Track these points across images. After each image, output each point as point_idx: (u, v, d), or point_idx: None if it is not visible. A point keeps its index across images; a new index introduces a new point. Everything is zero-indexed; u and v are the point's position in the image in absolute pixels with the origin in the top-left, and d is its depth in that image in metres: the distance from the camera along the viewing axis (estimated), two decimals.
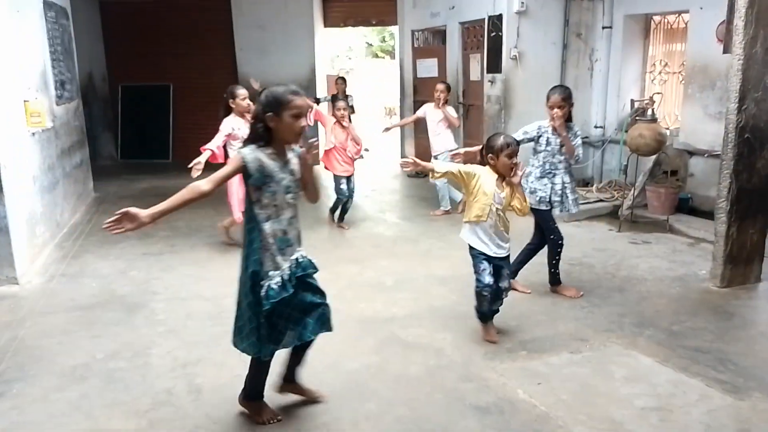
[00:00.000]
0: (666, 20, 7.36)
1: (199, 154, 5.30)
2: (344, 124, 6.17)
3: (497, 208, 3.61)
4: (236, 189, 5.29)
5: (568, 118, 4.30)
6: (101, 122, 11.00)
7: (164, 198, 2.73)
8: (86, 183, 7.93)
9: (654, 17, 7.47)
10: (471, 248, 3.73)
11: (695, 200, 6.58)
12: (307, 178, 2.84)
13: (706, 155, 6.38)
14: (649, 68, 7.64)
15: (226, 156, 5.34)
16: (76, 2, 8.25)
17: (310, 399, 3.12)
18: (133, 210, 2.52)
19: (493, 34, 7.56)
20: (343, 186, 6.36)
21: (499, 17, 7.40)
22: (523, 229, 4.61)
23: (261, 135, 2.66)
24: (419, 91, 9.84)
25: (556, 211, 4.42)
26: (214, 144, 5.29)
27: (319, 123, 6.59)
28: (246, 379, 2.97)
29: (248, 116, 5.19)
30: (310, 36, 10.70)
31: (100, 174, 8.97)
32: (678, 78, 7.21)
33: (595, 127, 8.00)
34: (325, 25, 11.55)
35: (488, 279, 3.64)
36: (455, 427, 2.90)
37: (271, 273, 2.70)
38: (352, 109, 7.94)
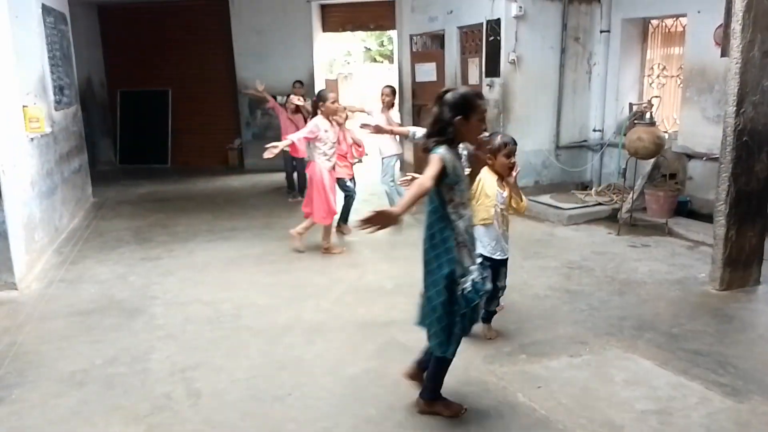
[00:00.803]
0: (664, 24, 7.39)
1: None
2: (338, 119, 6.17)
3: (501, 209, 3.61)
4: (327, 188, 5.57)
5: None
6: (100, 127, 11.02)
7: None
8: (85, 188, 7.93)
9: (652, 21, 7.50)
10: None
11: (694, 203, 6.59)
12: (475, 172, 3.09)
13: (704, 158, 6.40)
14: (647, 72, 7.67)
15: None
16: (75, 8, 8.28)
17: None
18: (387, 209, 2.52)
19: (492, 38, 7.58)
20: (350, 184, 6.38)
21: (498, 21, 7.42)
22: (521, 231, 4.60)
23: (451, 136, 2.76)
24: (418, 96, 9.86)
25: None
26: (296, 136, 5.52)
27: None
28: (427, 380, 3.02)
29: (335, 118, 5.68)
30: (308, 41, 10.72)
31: (98, 179, 8.97)
32: (676, 81, 7.23)
33: (594, 130, 8.02)
34: (324, 30, 11.57)
35: (488, 285, 3.54)
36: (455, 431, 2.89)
37: (471, 268, 2.82)
38: (308, 112, 8.00)
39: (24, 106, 5.38)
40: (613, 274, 5.05)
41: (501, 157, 3.56)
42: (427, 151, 2.81)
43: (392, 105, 6.70)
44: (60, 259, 5.65)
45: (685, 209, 6.56)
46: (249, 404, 3.15)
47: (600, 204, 7.04)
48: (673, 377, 3.34)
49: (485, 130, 2.86)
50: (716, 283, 4.60)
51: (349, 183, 6.37)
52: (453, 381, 3.33)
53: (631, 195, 6.61)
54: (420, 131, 3.66)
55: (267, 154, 5.22)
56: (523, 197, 3.74)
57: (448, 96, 2.78)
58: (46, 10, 6.44)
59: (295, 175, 8.23)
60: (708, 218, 5.57)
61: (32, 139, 5.56)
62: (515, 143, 3.64)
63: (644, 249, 5.75)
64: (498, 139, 3.59)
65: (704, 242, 5.62)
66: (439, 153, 2.72)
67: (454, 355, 2.88)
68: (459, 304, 2.76)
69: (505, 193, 3.63)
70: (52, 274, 5.26)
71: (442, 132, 2.77)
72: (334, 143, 5.62)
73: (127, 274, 5.26)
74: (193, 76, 10.83)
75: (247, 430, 2.95)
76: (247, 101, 10.88)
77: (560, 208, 6.86)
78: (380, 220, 2.48)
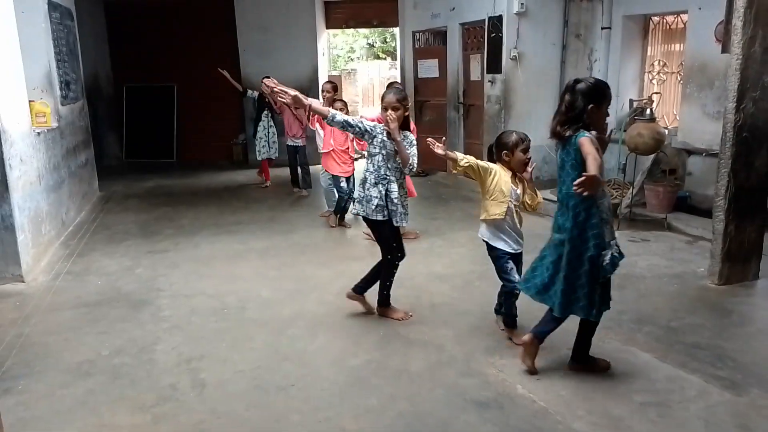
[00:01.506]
0: (665, 20, 7.40)
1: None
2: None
3: (515, 205, 3.61)
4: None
5: (405, 125, 3.83)
6: (106, 122, 11.07)
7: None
8: (91, 182, 7.99)
9: (653, 17, 7.51)
10: (492, 249, 3.67)
11: (693, 198, 6.62)
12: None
13: (704, 154, 6.42)
14: (647, 68, 7.68)
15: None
16: (81, 3, 8.32)
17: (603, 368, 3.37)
18: (596, 174, 2.77)
19: (493, 34, 7.61)
20: (344, 184, 6.41)
21: (499, 18, 7.45)
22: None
23: (586, 123, 2.99)
24: (420, 92, 9.89)
25: (403, 221, 3.91)
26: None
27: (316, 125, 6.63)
28: (577, 342, 3.34)
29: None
30: (312, 37, 10.75)
31: (105, 173, 9.04)
32: (676, 78, 7.25)
33: None
34: (327, 27, 11.60)
35: (517, 276, 3.61)
36: (455, 422, 2.94)
37: (612, 242, 3.08)
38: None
39: (30, 101, 5.44)
40: None
41: (518, 153, 3.53)
42: (564, 138, 3.05)
43: (333, 101, 6.47)
44: (67, 252, 5.71)
45: (684, 204, 6.59)
46: (253, 395, 3.21)
47: None
48: (671, 370, 3.37)
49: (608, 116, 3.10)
50: (715, 278, 4.63)
51: (343, 183, 6.39)
52: (454, 372, 3.40)
53: (631, 190, 6.64)
54: (340, 116, 3.66)
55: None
56: (538, 193, 3.72)
57: (581, 85, 3.02)
58: (53, 6, 6.49)
59: (299, 169, 8.28)
60: (707, 213, 5.60)
61: (39, 133, 5.61)
62: (530, 139, 3.60)
63: (644, 244, 5.78)
64: (514, 136, 3.57)
65: (703, 237, 5.65)
66: (587, 135, 2.96)
67: (598, 318, 3.19)
68: (600, 274, 3.07)
69: (519, 190, 3.62)
70: (59, 266, 5.32)
71: (578, 119, 3.00)
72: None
73: (134, 266, 5.31)
74: (198, 71, 10.88)
75: (252, 420, 2.99)
76: (252, 102, 10.91)
77: None
78: (593, 183, 2.74)
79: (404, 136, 3.76)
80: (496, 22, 7.51)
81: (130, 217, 7.15)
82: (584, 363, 3.36)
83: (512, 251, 3.65)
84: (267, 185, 8.89)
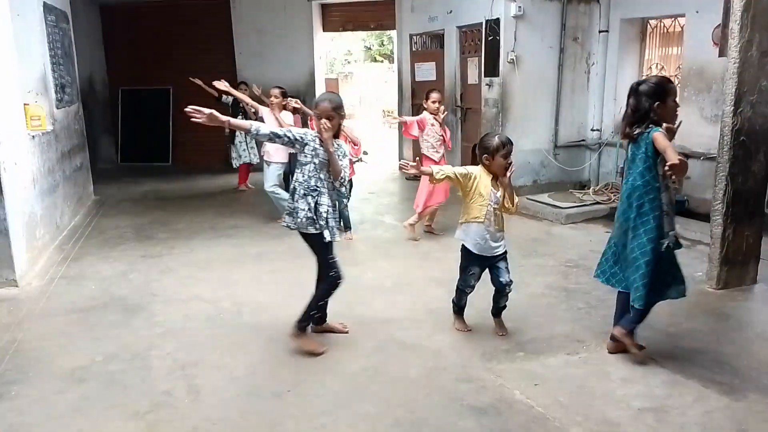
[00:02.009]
0: (662, 24, 7.41)
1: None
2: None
3: (494, 208, 3.65)
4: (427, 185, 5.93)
5: (338, 135, 3.64)
6: (101, 126, 11.04)
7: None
8: (86, 186, 7.96)
9: (650, 21, 7.52)
10: (466, 250, 3.75)
11: (691, 203, 6.62)
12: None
13: (702, 158, 6.42)
14: (645, 72, 7.68)
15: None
16: (77, 6, 8.30)
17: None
18: (682, 160, 3.09)
19: (491, 38, 7.60)
20: (342, 189, 6.36)
21: (497, 21, 7.45)
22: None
23: (654, 120, 3.22)
24: (417, 95, 9.88)
25: (333, 236, 3.63)
26: (409, 119, 6.36)
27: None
28: (629, 322, 3.48)
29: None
30: (309, 40, 10.75)
31: (100, 177, 9.00)
32: (674, 81, 7.25)
33: (592, 130, 8.05)
34: (324, 30, 11.59)
35: (473, 282, 3.79)
36: (453, 428, 2.92)
37: (671, 233, 3.30)
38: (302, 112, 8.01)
39: (25, 104, 5.41)
40: None
41: (499, 158, 3.58)
42: (634, 138, 3.29)
43: (283, 107, 6.44)
44: (61, 257, 5.68)
45: (682, 208, 6.57)
46: (248, 401, 3.18)
47: (598, 203, 7.07)
48: (669, 375, 3.36)
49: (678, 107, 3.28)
50: (713, 282, 4.62)
51: (343, 189, 6.34)
52: (451, 377, 3.38)
53: None
54: (264, 128, 3.44)
55: (392, 121, 6.37)
56: (515, 198, 3.74)
57: (643, 87, 3.26)
58: (48, 9, 6.46)
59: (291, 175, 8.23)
60: (705, 217, 5.58)
61: (33, 136, 5.58)
62: (512, 143, 3.65)
63: None
64: (495, 140, 3.60)
65: (701, 241, 5.65)
66: (659, 131, 3.18)
67: (651, 305, 3.42)
68: (658, 261, 3.30)
69: (499, 193, 3.65)
70: (53, 271, 5.29)
71: (645, 118, 3.23)
72: (440, 136, 6.11)
73: (128, 271, 5.28)
74: (194, 74, 10.84)
75: (247, 427, 2.97)
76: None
77: (558, 207, 6.88)
78: (682, 168, 3.04)
79: (337, 146, 3.58)
80: (494, 25, 7.51)
81: (124, 221, 7.12)
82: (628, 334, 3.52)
83: (487, 255, 3.71)
84: (244, 189, 8.85)
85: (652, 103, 3.21)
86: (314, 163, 3.55)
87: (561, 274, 5.02)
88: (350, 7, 11.19)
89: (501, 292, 3.81)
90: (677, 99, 3.33)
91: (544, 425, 2.92)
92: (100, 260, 5.60)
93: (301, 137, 3.52)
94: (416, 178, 9.40)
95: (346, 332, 3.94)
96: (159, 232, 6.55)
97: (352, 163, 6.44)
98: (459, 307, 3.99)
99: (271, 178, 6.63)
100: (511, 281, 3.80)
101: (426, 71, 9.59)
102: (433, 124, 6.07)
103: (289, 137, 3.50)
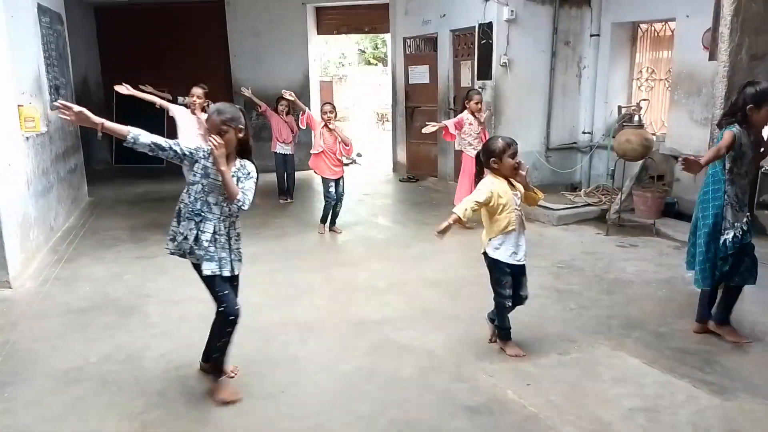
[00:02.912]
0: (653, 28, 7.48)
1: None
2: (330, 126, 6.22)
3: (519, 210, 3.53)
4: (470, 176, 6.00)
5: (246, 152, 3.15)
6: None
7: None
8: (80, 187, 7.94)
9: (641, 25, 7.59)
10: (498, 263, 3.54)
11: (681, 204, 6.67)
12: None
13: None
14: (636, 75, 7.76)
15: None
16: (71, 8, 8.29)
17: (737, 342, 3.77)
18: (696, 159, 3.51)
19: (484, 41, 7.65)
20: (332, 189, 6.40)
21: (489, 25, 7.50)
22: None
23: (739, 119, 3.50)
24: (411, 98, 9.92)
25: (209, 269, 3.15)
26: (448, 122, 6.60)
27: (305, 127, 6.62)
28: (699, 306, 3.87)
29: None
30: (303, 43, 10.77)
31: (94, 179, 8.98)
32: (664, 84, 7.32)
33: (583, 132, 8.11)
34: (319, 32, 11.61)
35: (509, 292, 3.57)
36: (446, 428, 2.94)
37: (736, 224, 3.56)
38: (294, 112, 7.95)
39: (19, 106, 5.40)
40: (602, 273, 5.12)
41: (507, 159, 3.44)
42: (720, 127, 3.62)
43: (204, 108, 6.11)
44: (55, 258, 5.67)
45: (672, 210, 6.64)
46: (243, 401, 3.18)
47: (589, 205, 7.12)
48: (660, 375, 3.40)
49: None
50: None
51: (331, 189, 6.38)
52: (444, 377, 3.40)
53: (619, 196, 6.69)
54: (145, 137, 3.00)
55: (428, 129, 6.45)
56: (538, 191, 3.63)
57: (748, 88, 3.50)
58: (42, 10, 6.46)
59: (285, 177, 8.23)
60: None
61: (28, 138, 5.57)
62: (516, 143, 3.52)
63: (632, 249, 5.82)
64: (500, 142, 3.47)
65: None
66: (732, 130, 3.47)
67: (710, 287, 3.77)
68: (720, 249, 3.59)
69: (518, 195, 3.53)
70: (47, 272, 5.28)
71: (734, 115, 3.52)
72: (477, 134, 6.42)
73: (122, 272, 5.28)
74: (189, 76, 10.80)
75: (241, 428, 2.98)
76: (243, 102, 10.90)
77: (550, 209, 6.93)
78: (690, 165, 3.38)
79: (241, 165, 3.10)
80: (487, 29, 7.55)
81: (119, 222, 7.11)
82: (722, 325, 3.82)
83: (516, 263, 3.55)
84: None
85: (746, 104, 3.45)
86: (202, 184, 3.08)
87: (553, 275, 5.06)
88: (345, 10, 11.21)
89: (515, 306, 3.67)
90: None
91: (536, 425, 2.95)
92: (94, 261, 5.59)
93: (191, 153, 3.09)
94: (409, 180, 9.47)
95: (232, 376, 3.38)
96: (153, 233, 6.54)
97: (342, 163, 6.46)
98: (506, 330, 3.69)
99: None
100: (527, 296, 3.69)
101: (420, 74, 9.63)
102: (471, 123, 6.43)
103: (175, 151, 3.06)
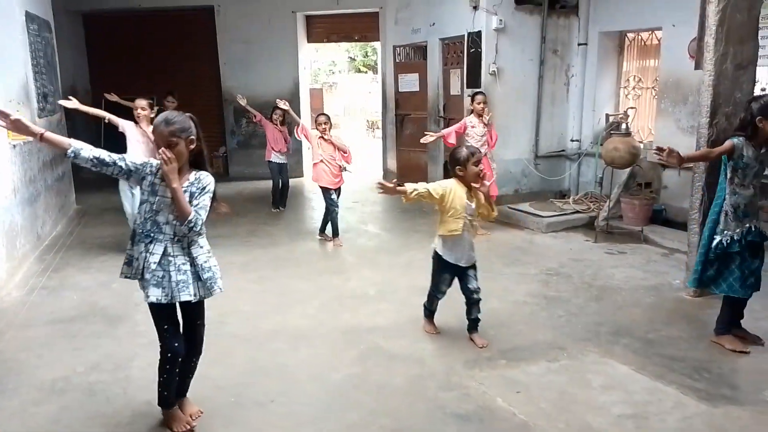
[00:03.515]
0: (639, 37, 7.56)
1: None
2: (326, 137, 6.23)
3: (470, 219, 3.74)
4: None
5: (200, 163, 2.87)
6: (84, 135, 10.85)
7: None
8: (68, 195, 7.88)
9: (628, 34, 7.67)
10: (441, 259, 3.84)
11: (669, 212, 6.73)
12: None
13: (679, 168, 6.54)
14: (623, 83, 7.84)
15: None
16: (60, 16, 8.26)
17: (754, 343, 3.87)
18: (678, 152, 3.77)
19: (473, 50, 7.70)
20: (334, 197, 6.41)
21: (478, 34, 7.55)
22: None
23: (750, 134, 3.64)
24: (401, 105, 9.95)
25: (154, 295, 2.81)
26: (446, 131, 6.72)
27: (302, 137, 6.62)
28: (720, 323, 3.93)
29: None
30: (293, 51, 10.77)
31: (82, 186, 8.91)
32: (651, 93, 7.40)
33: (572, 140, 8.17)
34: (309, 41, 11.63)
35: (445, 288, 3.93)
36: None
37: (726, 231, 3.71)
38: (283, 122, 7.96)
39: None
40: (591, 280, 5.15)
41: (471, 167, 3.66)
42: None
43: (150, 120, 5.94)
44: (42, 267, 5.61)
45: (660, 217, 6.70)
46: (232, 411, 3.17)
47: (577, 212, 7.16)
48: (649, 382, 3.41)
49: None
50: (690, 290, 4.70)
51: (333, 195, 6.39)
52: (434, 385, 3.40)
53: (607, 203, 6.74)
54: (87, 151, 2.73)
55: (426, 139, 6.55)
56: (494, 206, 3.84)
57: (753, 103, 3.65)
58: (30, 18, 6.43)
59: (281, 186, 8.17)
60: (682, 226, 5.68)
61: (14, 146, 5.53)
62: (480, 151, 3.81)
63: (620, 256, 5.86)
64: (464, 150, 3.72)
65: (679, 249, 5.75)
66: (734, 140, 3.66)
67: (695, 284, 4.01)
68: (712, 251, 3.77)
69: (474, 204, 3.73)
70: (34, 281, 5.23)
71: (744, 128, 3.68)
72: (482, 136, 6.47)
73: (110, 281, 5.23)
74: (178, 84, 10.81)
75: None
76: (233, 110, 10.90)
77: (539, 216, 6.97)
78: (670, 155, 3.65)
79: (196, 179, 2.82)
80: (476, 37, 7.61)
81: (107, 230, 7.05)
82: (725, 332, 3.90)
83: (463, 265, 3.80)
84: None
85: (754, 116, 3.59)
86: (150, 202, 2.80)
87: (542, 283, 5.08)
88: (335, 18, 11.24)
89: (470, 300, 3.88)
90: None
91: None
92: (81, 270, 5.54)
93: (137, 168, 2.80)
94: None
95: (192, 426, 3.05)
96: None
97: (341, 170, 6.45)
98: (430, 311, 4.13)
99: None
100: (479, 288, 3.87)
101: (409, 82, 9.67)
102: (474, 126, 6.47)
103: (120, 167, 2.78)
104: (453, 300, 4.69)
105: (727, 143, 3.68)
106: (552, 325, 4.22)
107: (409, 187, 3.71)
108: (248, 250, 6.19)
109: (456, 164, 3.70)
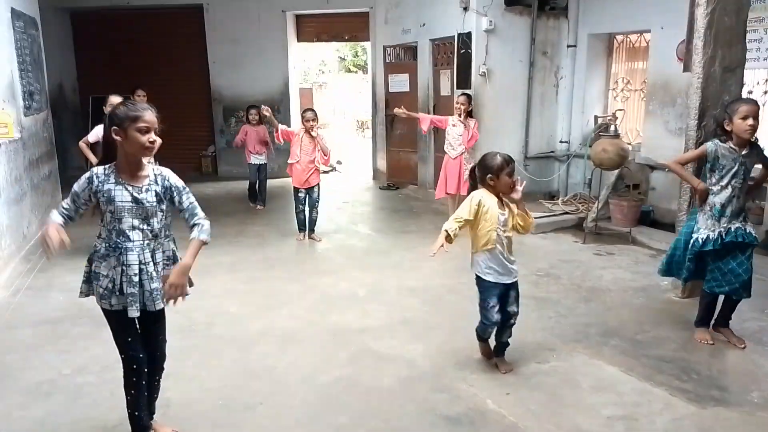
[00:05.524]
0: (628, 39, 7.61)
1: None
2: (313, 134, 6.21)
3: (503, 230, 3.39)
4: (445, 172, 6.49)
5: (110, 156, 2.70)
6: (71, 133, 10.78)
7: None
8: (55, 195, 7.78)
9: (617, 36, 7.72)
10: (482, 281, 3.46)
11: (657, 213, 6.78)
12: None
13: (666, 169, 6.57)
14: (612, 85, 7.88)
15: None
16: (47, 13, 8.15)
17: (734, 344, 3.91)
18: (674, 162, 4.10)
19: (463, 51, 7.71)
20: (301, 195, 6.39)
21: (469, 35, 7.56)
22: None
23: (719, 134, 3.78)
24: (391, 106, 9.93)
25: (133, 312, 2.71)
26: (425, 116, 7.07)
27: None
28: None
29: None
30: (283, 50, 10.74)
31: (69, 185, 8.67)
32: (640, 95, 7.45)
33: (561, 142, 8.21)
34: (299, 40, 11.59)
35: (496, 317, 3.43)
36: None
37: (702, 229, 3.79)
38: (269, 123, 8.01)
39: None
40: (580, 281, 5.16)
41: (504, 177, 3.31)
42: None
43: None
44: (27, 267, 5.54)
45: (648, 218, 6.74)
46: (220, 413, 3.14)
47: (566, 213, 7.19)
48: (638, 383, 3.43)
49: (753, 128, 3.62)
50: (679, 291, 4.73)
51: (300, 194, 6.38)
52: (425, 387, 3.39)
53: (596, 205, 6.77)
54: (56, 214, 2.78)
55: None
56: (530, 213, 3.50)
57: (725, 103, 3.93)
58: (16, 15, 6.34)
59: (257, 184, 8.21)
60: (670, 227, 5.73)
61: (0, 144, 5.46)
62: (514, 161, 3.42)
63: (609, 257, 5.89)
64: (498, 158, 3.33)
65: (666, 251, 5.77)
66: (707, 145, 3.78)
67: (662, 274, 4.29)
68: (687, 249, 3.88)
69: (506, 214, 3.41)
70: (19, 282, 5.16)
71: (715, 132, 3.89)
72: (459, 135, 6.53)
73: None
74: (166, 83, 10.75)
75: None
76: (221, 109, 10.84)
77: None
78: (701, 192, 3.81)
79: (156, 175, 2.76)
80: (466, 38, 7.62)
81: (93, 230, 6.91)
82: (699, 326, 4.02)
83: (503, 282, 3.45)
84: None
85: (723, 118, 3.72)
86: (109, 212, 2.69)
87: (531, 284, 5.08)
88: (325, 18, 11.22)
89: (505, 324, 3.52)
90: (748, 117, 3.60)
91: None
92: (68, 271, 5.47)
93: (83, 189, 2.73)
94: (389, 188, 9.47)
95: None
96: None
97: (318, 171, 6.43)
98: (484, 339, 3.66)
99: None
100: (517, 312, 3.55)
101: (399, 82, 9.67)
102: (455, 125, 6.54)
103: (78, 193, 2.72)
104: (443, 301, 4.70)
105: (701, 148, 3.87)
106: (542, 327, 4.22)
107: (450, 230, 3.30)
108: (236, 250, 6.15)
109: (487, 172, 3.33)
